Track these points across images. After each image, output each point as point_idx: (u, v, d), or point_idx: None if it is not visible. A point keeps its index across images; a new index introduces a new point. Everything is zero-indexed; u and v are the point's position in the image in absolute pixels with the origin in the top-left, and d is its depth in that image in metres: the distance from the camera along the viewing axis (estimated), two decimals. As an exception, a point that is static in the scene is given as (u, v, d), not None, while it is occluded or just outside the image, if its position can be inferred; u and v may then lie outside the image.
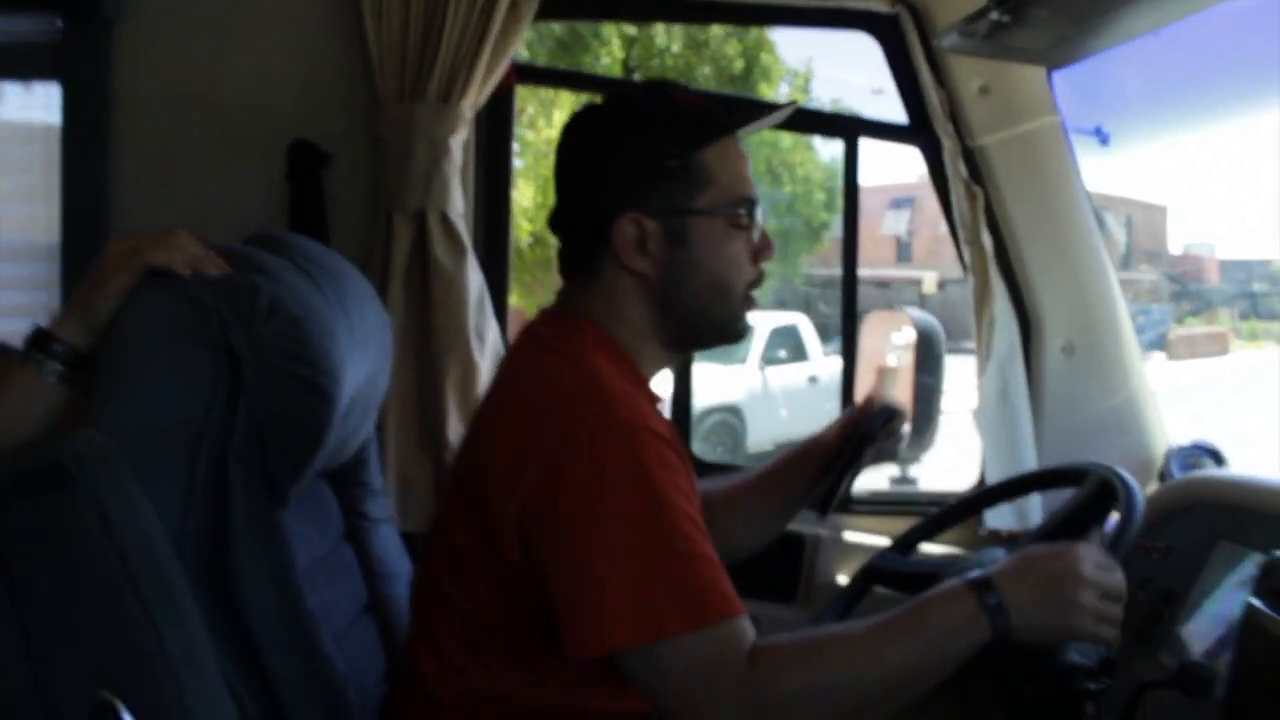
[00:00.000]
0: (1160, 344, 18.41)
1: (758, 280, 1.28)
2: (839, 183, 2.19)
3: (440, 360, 1.82)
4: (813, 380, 9.77)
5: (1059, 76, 1.93)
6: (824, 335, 10.49)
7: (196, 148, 1.90)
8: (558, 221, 1.28)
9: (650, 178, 1.20)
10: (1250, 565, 1.50)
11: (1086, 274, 1.97)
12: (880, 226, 19.82)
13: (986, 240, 1.94)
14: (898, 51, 1.97)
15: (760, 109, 1.32)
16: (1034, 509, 1.92)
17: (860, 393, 1.76)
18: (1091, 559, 1.12)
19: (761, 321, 9.14)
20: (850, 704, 1.06)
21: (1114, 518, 1.33)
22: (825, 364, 9.80)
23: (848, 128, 2.06)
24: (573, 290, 1.27)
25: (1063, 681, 1.24)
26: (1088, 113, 1.98)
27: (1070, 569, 1.11)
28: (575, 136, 1.26)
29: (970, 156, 1.96)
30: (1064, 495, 1.44)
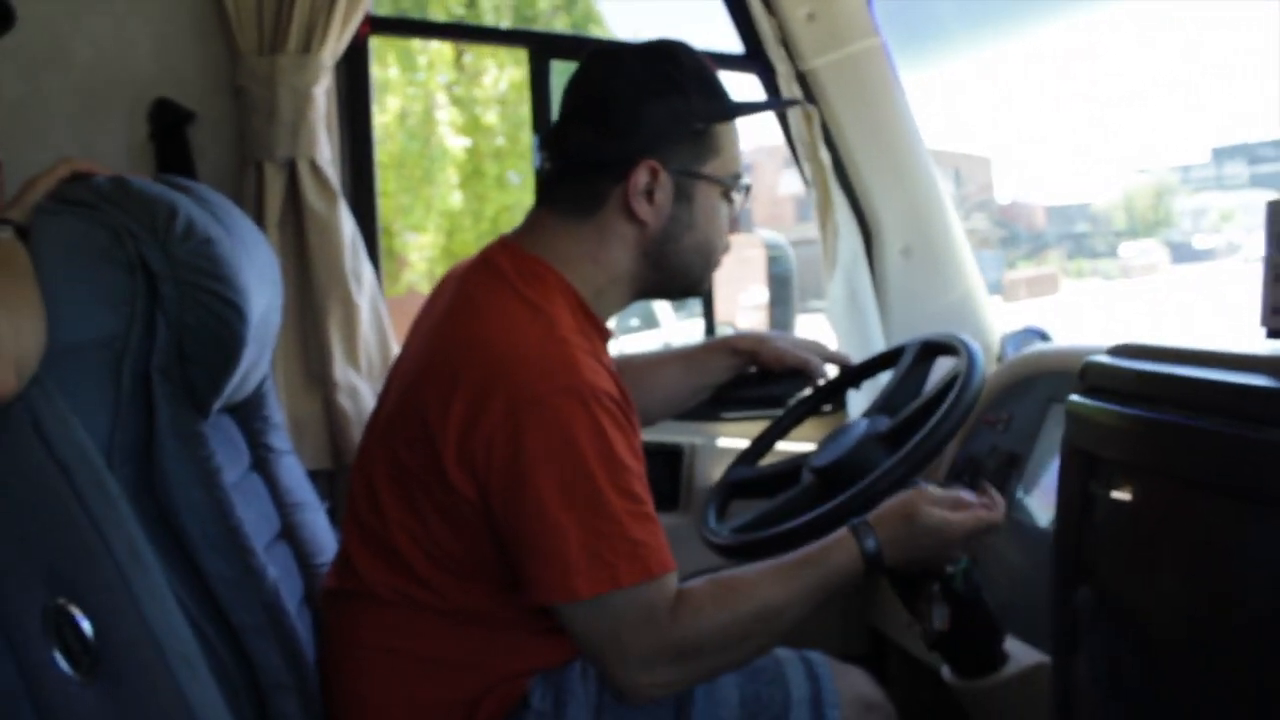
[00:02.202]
0: (996, 288, 19.31)
1: (727, 249, 1.42)
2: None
3: (322, 302, 1.93)
4: (666, 347, 9.92)
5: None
6: (675, 303, 10.66)
7: (52, 111, 1.93)
8: (561, 149, 1.35)
9: (676, 135, 1.30)
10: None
11: (918, 182, 2.19)
12: (778, 187, 20.09)
13: (824, 156, 2.14)
14: (729, -16, 2.15)
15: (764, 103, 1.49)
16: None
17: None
18: (942, 504, 1.32)
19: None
20: (755, 636, 1.26)
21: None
22: (678, 330, 10.01)
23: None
24: (552, 224, 1.34)
25: None
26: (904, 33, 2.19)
27: (935, 521, 1.31)
28: (609, 73, 1.33)
29: (803, 79, 2.15)
30: None
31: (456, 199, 9.76)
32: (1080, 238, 26.42)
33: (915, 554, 1.31)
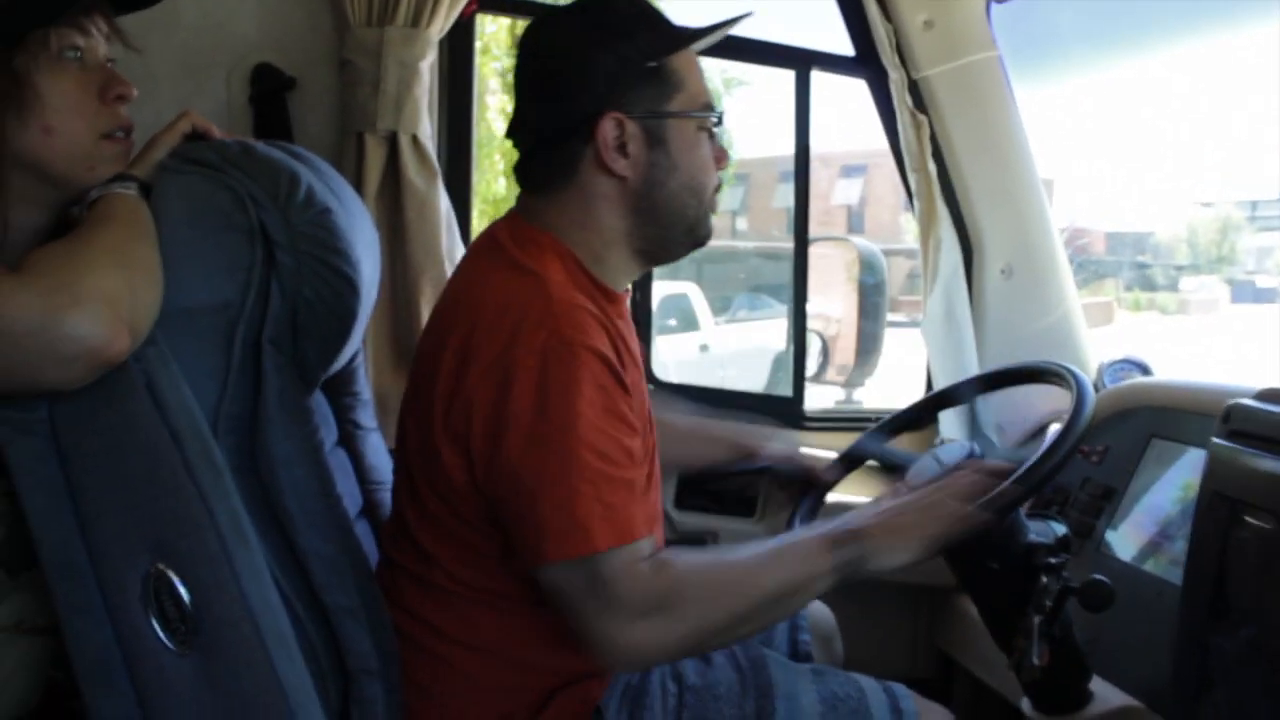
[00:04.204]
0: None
1: (719, 186, 1.37)
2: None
3: (415, 281, 1.92)
4: (704, 349, 9.93)
5: (996, 12, 2.12)
6: (715, 306, 10.65)
7: (155, 71, 1.94)
8: (525, 130, 1.33)
9: (630, 79, 1.27)
10: (1184, 458, 1.68)
11: (1023, 201, 2.15)
12: (832, 196, 20.09)
13: (931, 168, 2.11)
14: (846, -14, 2.13)
15: (713, 25, 1.36)
16: (984, 422, 2.10)
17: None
18: (926, 488, 1.33)
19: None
20: (738, 604, 1.21)
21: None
22: (716, 333, 9.98)
23: (798, 59, 2.20)
24: (538, 202, 1.33)
25: (1025, 557, 1.42)
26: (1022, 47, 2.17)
27: (918, 504, 1.30)
28: (547, 41, 1.32)
29: (915, 88, 2.12)
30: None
31: (500, 186, 9.81)
32: (1140, 268, 26.06)
33: (909, 529, 1.27)
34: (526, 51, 1.33)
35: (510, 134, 1.35)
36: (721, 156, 1.36)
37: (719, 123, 1.34)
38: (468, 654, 1.29)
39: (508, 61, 9.92)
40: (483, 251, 1.34)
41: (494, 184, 10.20)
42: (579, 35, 1.29)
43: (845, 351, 2.22)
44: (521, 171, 1.36)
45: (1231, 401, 1.18)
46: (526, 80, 1.33)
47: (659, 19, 1.31)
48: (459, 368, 1.20)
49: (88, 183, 1.19)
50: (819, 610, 1.69)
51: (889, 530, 1.26)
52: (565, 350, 1.17)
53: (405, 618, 1.30)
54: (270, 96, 1.95)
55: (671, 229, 1.34)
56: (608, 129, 1.27)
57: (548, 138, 1.30)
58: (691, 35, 1.31)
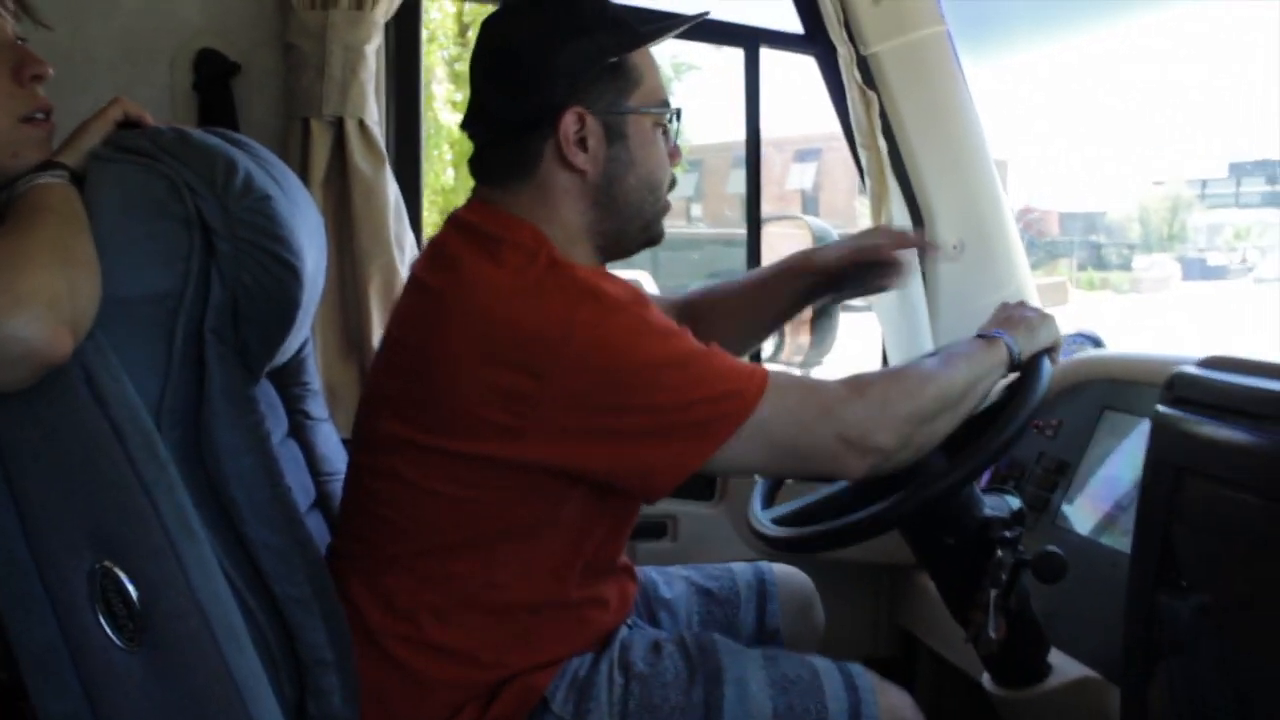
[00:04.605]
0: (1004, 293, 19.27)
1: (673, 183, 1.38)
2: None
3: (363, 268, 1.90)
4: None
5: (944, -13, 2.13)
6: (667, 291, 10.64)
7: (95, 57, 1.91)
8: (484, 121, 1.32)
9: (592, 75, 1.27)
10: (1137, 430, 1.69)
11: (974, 176, 2.16)
12: (786, 181, 20.12)
13: (881, 145, 2.11)
14: (794, -37, 2.12)
15: (669, 18, 1.40)
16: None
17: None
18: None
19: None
20: (931, 386, 1.30)
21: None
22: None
23: (746, 37, 2.19)
24: (496, 194, 1.32)
25: (980, 532, 1.43)
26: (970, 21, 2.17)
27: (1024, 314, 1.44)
28: (510, 33, 1.30)
29: (864, 64, 2.12)
30: None
31: (449, 176, 9.75)
32: (1093, 247, 26.38)
33: (1030, 319, 1.43)
34: (487, 42, 1.32)
35: (466, 125, 1.34)
36: (675, 153, 1.37)
37: (674, 119, 1.36)
38: (414, 651, 1.29)
39: (454, 50, 9.88)
40: (461, 240, 1.31)
41: (443, 174, 10.14)
42: (543, 29, 1.28)
43: (801, 334, 2.22)
44: (478, 163, 1.35)
45: (1174, 369, 1.19)
46: (486, 71, 1.32)
47: (620, 16, 1.32)
48: (507, 356, 1.19)
49: (11, 170, 1.16)
50: (795, 579, 1.68)
51: (1015, 323, 1.41)
52: (616, 306, 1.21)
53: (352, 611, 1.29)
54: (214, 82, 1.92)
55: (629, 224, 1.34)
56: (569, 123, 1.27)
57: (508, 130, 1.30)
58: (652, 33, 1.32)
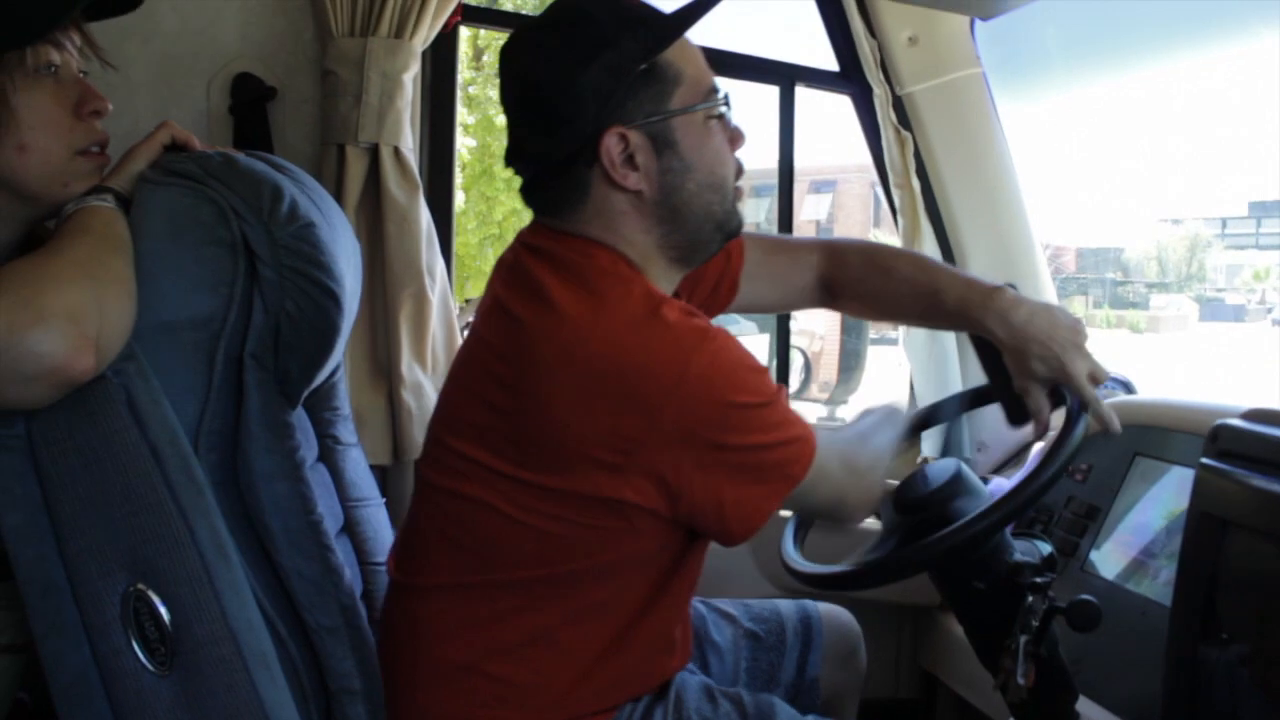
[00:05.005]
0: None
1: (740, 170, 1.30)
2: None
3: (394, 295, 1.90)
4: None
5: (980, 29, 2.13)
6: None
7: (133, 78, 1.92)
8: (525, 158, 1.26)
9: (625, 88, 1.19)
10: (1168, 476, 1.69)
11: (1006, 216, 2.17)
12: (801, 212, 20.23)
13: (915, 184, 2.12)
14: (830, 1, 2.14)
15: (694, 4, 1.25)
16: (962, 441, 2.10)
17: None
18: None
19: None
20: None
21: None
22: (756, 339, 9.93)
23: (783, 74, 2.21)
24: (557, 222, 1.26)
25: (1010, 577, 1.42)
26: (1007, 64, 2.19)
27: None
28: (529, 62, 1.23)
29: (899, 104, 2.13)
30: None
31: (459, 200, 9.80)
32: (1111, 285, 26.34)
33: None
34: (509, 76, 1.25)
35: (509, 162, 1.28)
36: (737, 137, 1.29)
37: (726, 104, 1.27)
38: (472, 682, 1.27)
39: (467, 74, 9.95)
40: (536, 267, 1.25)
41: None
42: (561, 52, 1.20)
43: (828, 368, 2.23)
44: (530, 196, 1.30)
45: (1219, 421, 1.19)
46: (515, 107, 1.25)
47: (640, 14, 1.22)
48: (618, 406, 1.15)
49: (62, 199, 1.18)
50: (841, 621, 1.66)
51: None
52: (713, 352, 1.19)
53: (409, 634, 1.29)
54: (251, 106, 1.92)
55: (700, 230, 1.27)
56: (612, 145, 1.20)
57: (551, 163, 1.24)
58: (678, 23, 1.22)
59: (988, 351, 1.52)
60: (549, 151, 1.23)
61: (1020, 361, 1.44)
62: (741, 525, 1.19)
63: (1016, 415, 1.53)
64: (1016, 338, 1.43)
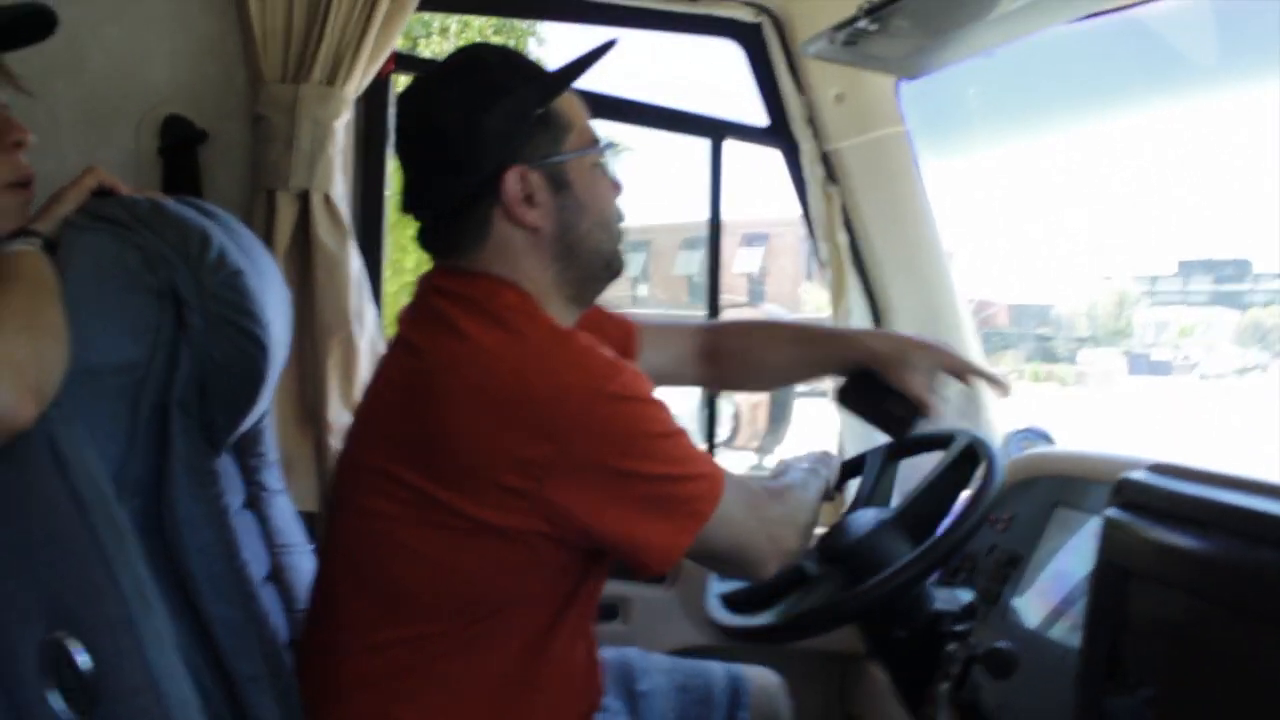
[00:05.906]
0: (949, 385, 19.48)
1: (621, 216, 1.41)
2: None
3: (323, 341, 1.91)
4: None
5: (905, 88, 2.22)
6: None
7: (60, 119, 1.91)
8: (424, 204, 1.34)
9: (523, 131, 1.29)
10: (1087, 526, 1.74)
11: (930, 271, 2.24)
12: (733, 265, 20.34)
13: (841, 238, 2.19)
14: (760, 59, 2.20)
15: (579, 58, 1.36)
16: (889, 490, 2.15)
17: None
18: None
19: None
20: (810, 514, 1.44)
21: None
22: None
23: (713, 129, 2.27)
24: (459, 263, 1.33)
25: (931, 625, 1.47)
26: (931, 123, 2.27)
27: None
28: (431, 108, 1.31)
29: (826, 159, 2.20)
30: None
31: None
32: (1041, 340, 26.86)
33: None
34: (411, 121, 1.34)
35: (407, 208, 1.35)
36: (616, 186, 1.40)
37: (606, 153, 1.39)
38: None
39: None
40: (442, 308, 1.31)
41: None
42: (463, 99, 1.29)
43: (758, 419, 2.27)
44: (429, 240, 1.37)
45: (1123, 475, 1.25)
46: (416, 151, 1.33)
47: (531, 68, 1.34)
48: (526, 433, 1.20)
49: None
50: (767, 683, 1.70)
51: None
52: (623, 390, 1.25)
53: (320, 684, 1.30)
54: (181, 149, 1.93)
55: (592, 266, 1.37)
56: (512, 184, 1.29)
57: (450, 204, 1.31)
58: (567, 75, 1.33)
59: (850, 388, 1.67)
60: (453, 191, 1.30)
61: (899, 363, 1.61)
62: (656, 560, 1.24)
63: (896, 425, 1.65)
64: (893, 343, 1.65)
